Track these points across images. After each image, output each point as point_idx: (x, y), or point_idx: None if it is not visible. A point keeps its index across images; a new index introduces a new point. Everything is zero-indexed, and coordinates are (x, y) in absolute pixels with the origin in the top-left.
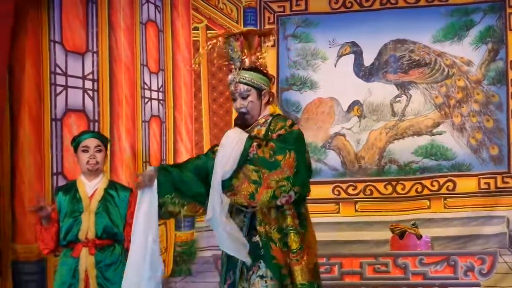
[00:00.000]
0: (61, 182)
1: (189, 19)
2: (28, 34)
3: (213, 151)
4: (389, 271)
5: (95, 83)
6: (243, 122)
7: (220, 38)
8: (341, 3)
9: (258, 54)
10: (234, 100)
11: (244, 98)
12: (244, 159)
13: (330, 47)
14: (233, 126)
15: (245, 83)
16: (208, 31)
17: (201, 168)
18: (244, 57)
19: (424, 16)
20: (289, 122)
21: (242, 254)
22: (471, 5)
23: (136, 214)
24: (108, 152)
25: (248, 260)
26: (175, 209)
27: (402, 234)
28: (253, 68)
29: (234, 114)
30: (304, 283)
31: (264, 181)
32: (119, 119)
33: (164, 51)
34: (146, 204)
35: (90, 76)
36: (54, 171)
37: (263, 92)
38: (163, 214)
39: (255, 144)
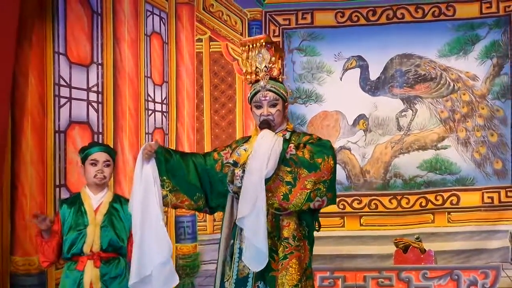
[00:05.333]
0: (64, 194)
1: (193, 31)
2: (32, 45)
3: (218, 152)
4: (393, 285)
5: (100, 95)
6: (268, 127)
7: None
8: (347, 17)
9: (280, 67)
10: (259, 107)
11: (272, 106)
12: (281, 159)
13: (336, 61)
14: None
15: (275, 92)
16: (211, 43)
17: (201, 164)
18: (273, 66)
19: (430, 31)
20: (315, 136)
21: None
22: (477, 20)
23: (134, 189)
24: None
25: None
26: (162, 191)
27: (406, 248)
28: (278, 80)
29: (239, 125)
30: None
31: (300, 182)
32: (122, 131)
33: (169, 63)
34: (146, 182)
35: (95, 88)
36: (57, 183)
37: (286, 104)
38: None
39: (292, 145)
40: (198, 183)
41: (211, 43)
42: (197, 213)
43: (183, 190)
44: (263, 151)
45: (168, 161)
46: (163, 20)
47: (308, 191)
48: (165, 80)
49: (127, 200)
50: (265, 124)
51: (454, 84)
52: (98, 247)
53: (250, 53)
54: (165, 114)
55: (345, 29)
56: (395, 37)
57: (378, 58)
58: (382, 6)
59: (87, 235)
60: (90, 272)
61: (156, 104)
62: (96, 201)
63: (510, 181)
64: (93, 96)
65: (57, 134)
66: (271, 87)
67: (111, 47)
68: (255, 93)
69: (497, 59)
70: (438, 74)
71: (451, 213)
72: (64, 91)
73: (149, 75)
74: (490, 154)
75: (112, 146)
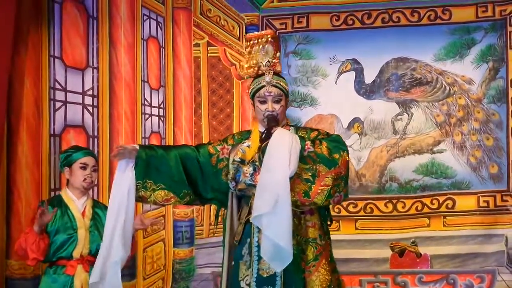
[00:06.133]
0: None
1: (190, 36)
2: (28, 49)
3: (213, 147)
4: None
5: (95, 99)
6: (276, 124)
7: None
8: (343, 20)
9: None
10: (263, 102)
11: (276, 102)
12: (300, 157)
13: (331, 64)
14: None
15: (279, 88)
16: (209, 47)
17: (190, 157)
18: (277, 61)
19: (426, 35)
20: (322, 130)
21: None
22: (473, 24)
23: (112, 192)
24: (107, 168)
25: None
26: (145, 193)
27: (402, 252)
28: (281, 75)
29: (236, 130)
30: None
31: (320, 179)
32: (118, 135)
33: (165, 68)
34: (123, 184)
35: (90, 92)
36: (52, 187)
37: (288, 100)
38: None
39: (308, 142)
40: (184, 178)
41: (208, 48)
42: (195, 217)
43: (168, 188)
44: (282, 149)
45: (150, 162)
46: (160, 24)
47: (329, 187)
48: (162, 84)
49: (106, 206)
50: (273, 121)
51: (450, 88)
52: (87, 251)
53: (254, 47)
54: (162, 118)
55: (341, 33)
56: (390, 40)
57: (373, 62)
58: (377, 9)
59: (78, 239)
60: (81, 276)
61: (152, 108)
62: (80, 205)
63: (506, 185)
64: (88, 100)
65: (52, 138)
66: (276, 82)
67: (107, 51)
68: (259, 88)
69: (493, 63)
70: (434, 78)
71: (447, 217)
72: (60, 95)
73: (145, 79)
74: (486, 158)
75: (108, 150)
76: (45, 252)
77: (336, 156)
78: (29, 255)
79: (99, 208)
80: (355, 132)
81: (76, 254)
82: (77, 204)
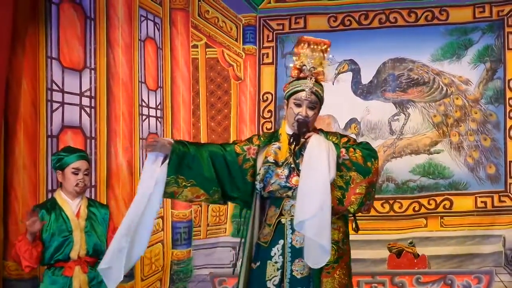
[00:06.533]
0: None
1: (188, 37)
2: (25, 50)
3: (240, 146)
4: None
5: (92, 100)
6: (307, 130)
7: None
8: (340, 21)
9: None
10: (299, 106)
11: (310, 108)
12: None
13: (328, 65)
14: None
15: (317, 96)
16: (207, 49)
17: (218, 155)
18: (321, 70)
19: (423, 35)
20: (350, 137)
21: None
22: (470, 24)
23: (140, 184)
24: (104, 169)
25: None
26: (178, 189)
27: (399, 253)
28: (321, 84)
29: (233, 130)
30: None
31: (354, 187)
32: (116, 136)
33: (163, 69)
34: (151, 178)
35: (87, 93)
36: (49, 188)
37: (321, 108)
38: (163, 193)
39: (343, 149)
40: (214, 176)
41: (207, 49)
42: (193, 218)
43: (199, 184)
44: (321, 155)
45: (184, 157)
46: (157, 25)
47: (362, 196)
48: (159, 85)
49: (101, 204)
50: (303, 127)
51: (447, 89)
52: (84, 252)
53: (304, 50)
54: (159, 119)
55: (338, 33)
56: (387, 41)
57: (370, 62)
58: (374, 10)
59: (74, 241)
60: (79, 277)
61: (150, 109)
62: (74, 206)
63: (503, 185)
64: (86, 101)
65: (49, 139)
66: (316, 90)
67: (104, 52)
68: (299, 91)
69: (490, 63)
70: (431, 79)
71: (444, 218)
72: (57, 96)
73: (143, 80)
74: (483, 158)
75: (105, 151)
76: (38, 259)
77: (369, 164)
78: (22, 263)
79: (94, 207)
80: (352, 133)
81: (73, 255)
82: (71, 205)
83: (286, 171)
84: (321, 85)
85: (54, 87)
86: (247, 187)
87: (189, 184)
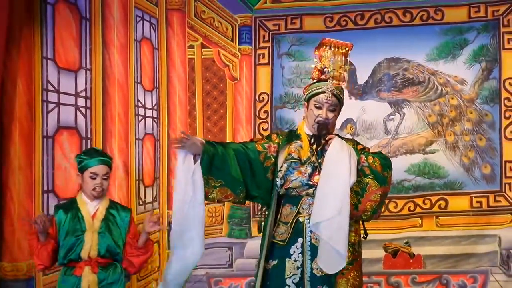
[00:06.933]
0: (52, 200)
1: (184, 37)
2: (20, 51)
3: (261, 144)
4: None
5: (88, 101)
6: (327, 132)
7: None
8: (336, 21)
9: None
10: (319, 108)
11: (331, 110)
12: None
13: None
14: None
15: (338, 98)
16: (203, 49)
17: (242, 154)
18: (343, 72)
19: (418, 35)
20: (367, 147)
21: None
22: (465, 24)
23: (180, 186)
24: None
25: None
26: (208, 190)
27: (395, 253)
28: (341, 87)
29: (229, 131)
30: None
31: (369, 194)
32: (112, 137)
33: (159, 69)
34: (189, 175)
35: (83, 94)
36: (45, 188)
37: (340, 111)
38: None
39: (363, 156)
40: (240, 176)
41: (203, 49)
42: None
43: (228, 185)
44: (343, 158)
45: (214, 158)
46: (153, 26)
47: (376, 203)
48: (155, 86)
49: (123, 207)
50: (324, 129)
51: (442, 88)
52: (95, 253)
53: (326, 52)
54: (155, 120)
55: (334, 34)
56: (383, 41)
57: (366, 62)
58: (370, 10)
59: (85, 241)
60: (88, 277)
61: (146, 110)
62: (92, 207)
63: (499, 185)
64: (81, 102)
65: (45, 140)
66: (337, 93)
67: (100, 53)
68: (319, 93)
69: (485, 63)
70: (426, 78)
71: (439, 217)
72: (52, 96)
73: (139, 81)
74: (479, 158)
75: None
76: (50, 258)
77: (386, 174)
78: (35, 262)
79: (114, 209)
80: (348, 133)
81: (84, 255)
82: (89, 207)
83: (309, 169)
84: (341, 87)
85: (50, 87)
86: (267, 185)
87: (218, 185)
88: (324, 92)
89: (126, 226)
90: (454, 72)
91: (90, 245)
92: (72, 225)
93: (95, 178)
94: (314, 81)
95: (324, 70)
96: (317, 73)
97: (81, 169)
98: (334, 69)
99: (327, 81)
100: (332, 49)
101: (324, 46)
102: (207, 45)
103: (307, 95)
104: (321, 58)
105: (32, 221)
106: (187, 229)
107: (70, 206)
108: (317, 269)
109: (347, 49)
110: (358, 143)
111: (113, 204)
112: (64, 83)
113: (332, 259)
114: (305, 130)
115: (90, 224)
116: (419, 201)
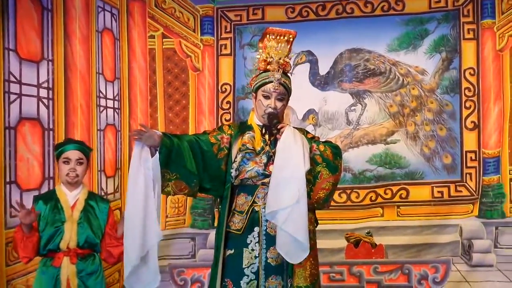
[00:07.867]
0: (14, 191)
1: (145, 27)
2: None
3: (213, 136)
4: (344, 279)
5: (50, 92)
6: (278, 122)
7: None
8: (298, 12)
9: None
10: (267, 98)
11: (279, 100)
12: None
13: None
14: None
15: (285, 87)
16: (164, 39)
17: (195, 146)
18: (288, 61)
19: (379, 26)
20: (316, 135)
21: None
22: (426, 15)
23: (132, 177)
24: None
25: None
26: (163, 183)
27: (357, 243)
28: (288, 75)
29: (192, 122)
30: (301, 285)
31: (321, 182)
32: (74, 127)
33: (120, 59)
34: (145, 167)
35: (45, 85)
36: (7, 180)
37: (289, 99)
38: None
39: (314, 144)
40: (194, 169)
41: (164, 39)
42: None
43: (183, 178)
44: (297, 146)
45: (171, 151)
46: (115, 16)
47: (328, 191)
48: (117, 76)
49: (102, 198)
50: (274, 118)
51: (403, 79)
52: (75, 244)
53: (270, 42)
54: (117, 110)
55: (295, 24)
56: (344, 31)
57: (327, 53)
58: (331, 1)
59: (65, 231)
60: (67, 268)
61: (108, 100)
62: (72, 198)
63: (460, 175)
64: (43, 93)
65: (7, 131)
66: (284, 81)
67: (61, 43)
68: (267, 83)
69: (446, 53)
70: (387, 69)
71: (401, 207)
72: (14, 88)
73: (100, 72)
74: (439, 148)
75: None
76: (34, 250)
77: (337, 162)
78: (19, 254)
79: (93, 200)
80: (310, 123)
81: (63, 246)
82: (68, 197)
83: (264, 159)
84: (288, 76)
85: (12, 78)
86: (221, 177)
87: (173, 178)
88: (271, 81)
89: (105, 217)
90: (415, 63)
91: (69, 235)
92: (51, 216)
93: (68, 163)
94: (261, 71)
95: (270, 60)
96: (263, 63)
97: (57, 157)
98: (280, 58)
99: (274, 70)
100: (276, 37)
101: (268, 36)
102: (168, 35)
103: (254, 85)
104: (265, 48)
105: (20, 212)
106: (139, 223)
107: (49, 196)
108: (272, 258)
109: (290, 36)
110: (308, 132)
111: (92, 196)
112: (26, 74)
113: (293, 248)
114: (256, 120)
115: (70, 215)
116: (381, 191)
